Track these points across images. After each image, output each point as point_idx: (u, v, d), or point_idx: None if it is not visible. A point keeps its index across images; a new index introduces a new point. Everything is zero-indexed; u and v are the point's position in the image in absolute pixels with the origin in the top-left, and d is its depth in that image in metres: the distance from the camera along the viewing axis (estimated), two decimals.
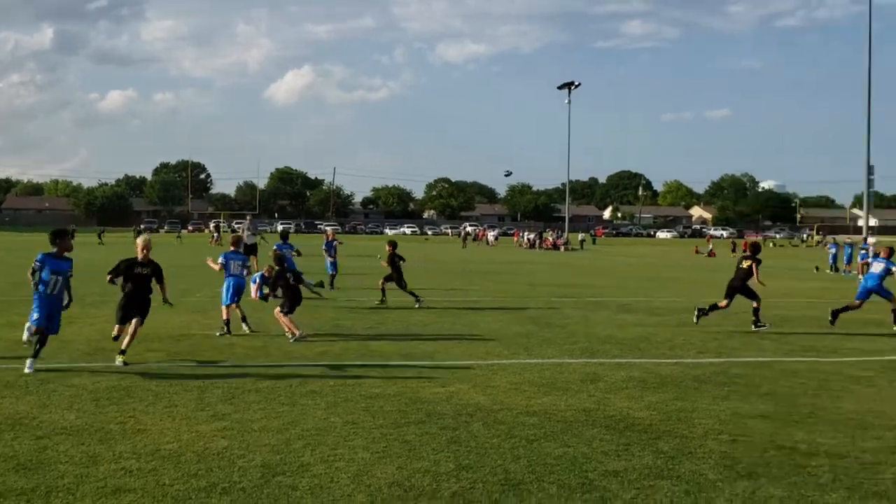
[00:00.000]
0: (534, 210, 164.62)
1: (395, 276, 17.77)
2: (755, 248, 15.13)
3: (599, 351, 11.83)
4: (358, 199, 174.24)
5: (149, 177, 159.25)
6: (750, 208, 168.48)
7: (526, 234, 79.81)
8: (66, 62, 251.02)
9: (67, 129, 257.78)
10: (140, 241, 10.80)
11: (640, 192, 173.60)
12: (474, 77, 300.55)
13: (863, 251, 37.78)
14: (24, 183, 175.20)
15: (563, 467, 6.08)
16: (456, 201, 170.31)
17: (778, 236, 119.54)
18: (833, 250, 40.92)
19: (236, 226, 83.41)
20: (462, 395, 8.59)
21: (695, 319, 14.73)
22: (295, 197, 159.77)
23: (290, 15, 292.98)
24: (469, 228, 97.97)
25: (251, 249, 25.11)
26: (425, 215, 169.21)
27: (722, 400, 8.58)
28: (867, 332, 14.24)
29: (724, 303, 14.63)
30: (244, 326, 13.04)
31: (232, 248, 13.81)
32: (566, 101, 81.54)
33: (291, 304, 12.64)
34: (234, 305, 13.11)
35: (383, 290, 17.94)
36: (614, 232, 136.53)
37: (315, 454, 6.37)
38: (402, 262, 18.01)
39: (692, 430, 7.25)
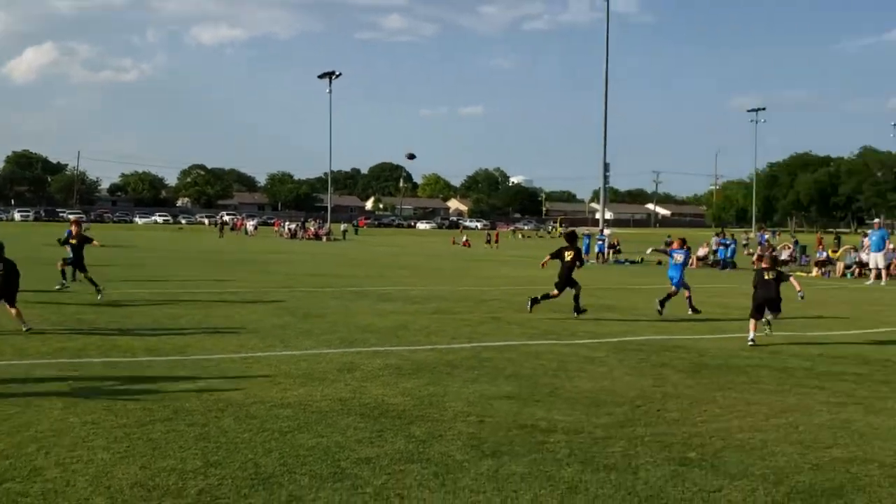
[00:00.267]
0: (295, 200, 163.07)
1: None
2: (571, 237, 16.21)
3: (358, 340, 11.91)
4: (105, 185, 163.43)
5: None
6: (502, 201, 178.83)
7: (287, 223, 78.65)
8: None
9: None
10: None
11: (401, 184, 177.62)
12: (231, 61, 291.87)
13: (599, 241, 41.36)
14: None
15: (316, 457, 6.04)
16: (213, 189, 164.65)
17: (526, 227, 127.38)
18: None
19: None
20: (212, 389, 8.27)
21: (528, 308, 15.46)
22: (34, 182, 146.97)
23: None
24: (227, 217, 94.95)
25: None
26: (179, 203, 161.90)
27: (471, 383, 8.94)
28: (600, 316, 15.51)
29: (555, 292, 15.49)
30: None
31: None
32: (327, 90, 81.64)
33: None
34: None
35: (63, 272, 17.55)
36: (377, 223, 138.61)
37: (49, 457, 5.86)
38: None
39: (443, 414, 7.49)
